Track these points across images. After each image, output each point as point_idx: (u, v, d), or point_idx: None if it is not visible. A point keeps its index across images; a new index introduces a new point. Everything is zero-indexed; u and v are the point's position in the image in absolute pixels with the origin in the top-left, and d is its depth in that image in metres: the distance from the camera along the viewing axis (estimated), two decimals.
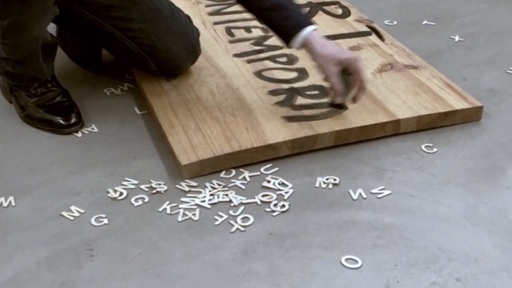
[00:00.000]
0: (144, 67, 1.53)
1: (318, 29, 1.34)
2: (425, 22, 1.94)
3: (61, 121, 1.41)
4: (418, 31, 1.88)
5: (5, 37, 1.30)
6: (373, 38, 1.74)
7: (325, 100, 1.44)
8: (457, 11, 2.01)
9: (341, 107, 1.37)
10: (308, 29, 1.31)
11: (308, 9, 1.90)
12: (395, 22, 1.93)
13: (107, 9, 1.43)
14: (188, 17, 1.53)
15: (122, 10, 1.43)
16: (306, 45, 1.32)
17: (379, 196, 1.23)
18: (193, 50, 1.53)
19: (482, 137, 1.40)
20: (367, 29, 1.79)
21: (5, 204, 1.21)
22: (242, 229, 1.15)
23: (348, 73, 1.33)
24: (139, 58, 1.50)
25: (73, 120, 1.41)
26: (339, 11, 1.89)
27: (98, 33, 1.48)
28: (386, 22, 1.93)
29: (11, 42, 1.31)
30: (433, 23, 1.93)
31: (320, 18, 1.85)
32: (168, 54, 1.48)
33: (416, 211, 1.19)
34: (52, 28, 1.49)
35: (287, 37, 1.33)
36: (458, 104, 1.44)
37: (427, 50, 1.76)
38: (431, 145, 1.37)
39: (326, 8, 1.91)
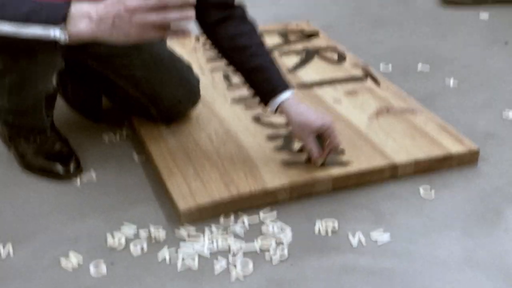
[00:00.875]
0: (144, 114, 1.55)
1: (295, 93, 1.36)
2: (420, 66, 1.97)
3: (60, 169, 1.41)
4: (413, 76, 1.91)
5: (11, 91, 1.31)
6: (369, 82, 1.76)
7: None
8: (451, 55, 2.04)
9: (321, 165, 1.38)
10: (284, 95, 1.33)
11: (305, 55, 1.93)
12: (390, 67, 1.96)
13: (110, 57, 1.45)
14: (189, 65, 1.56)
15: (125, 58, 1.45)
16: (280, 110, 1.34)
17: (378, 241, 1.23)
18: (193, 96, 1.55)
19: (479, 180, 1.41)
20: (362, 74, 1.81)
21: (3, 252, 1.21)
22: (241, 278, 1.14)
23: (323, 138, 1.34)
24: (141, 105, 1.52)
25: (72, 168, 1.42)
26: (335, 57, 1.92)
27: (100, 80, 1.50)
28: (381, 66, 1.96)
29: (17, 95, 1.33)
30: (428, 68, 1.96)
31: (316, 63, 1.88)
32: (169, 101, 1.50)
33: (415, 256, 1.19)
34: None
35: (264, 100, 1.36)
36: (455, 147, 1.45)
37: (422, 94, 1.78)
38: (429, 188, 1.38)
39: (322, 53, 1.94)
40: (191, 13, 1.09)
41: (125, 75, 1.47)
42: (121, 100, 1.56)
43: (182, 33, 1.11)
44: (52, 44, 1.10)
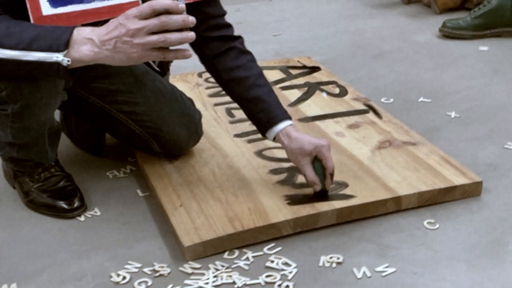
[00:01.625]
0: (147, 149, 1.56)
1: (296, 125, 1.40)
2: (421, 99, 1.98)
3: (64, 206, 1.42)
4: (414, 108, 1.92)
5: (14, 121, 1.32)
6: (371, 115, 1.77)
7: None
8: (452, 88, 2.06)
9: (323, 193, 1.38)
10: (282, 125, 1.37)
11: (306, 89, 1.94)
12: (392, 100, 1.97)
13: (112, 93, 1.47)
14: (191, 100, 1.57)
15: (126, 95, 1.47)
16: (277, 140, 1.38)
17: (383, 274, 1.22)
18: (195, 131, 1.56)
19: (483, 212, 1.41)
20: (364, 107, 1.82)
21: None
22: None
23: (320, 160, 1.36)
24: (143, 140, 1.53)
25: (76, 204, 1.42)
26: (337, 90, 1.94)
27: (102, 116, 1.51)
28: (382, 100, 1.97)
29: (20, 126, 1.34)
30: (429, 100, 1.97)
31: (318, 97, 1.89)
32: (171, 136, 1.51)
33: None
34: (56, 113, 1.52)
35: (262, 129, 1.40)
36: (458, 179, 1.45)
37: (424, 126, 1.79)
38: (433, 221, 1.38)
39: (324, 87, 1.95)
40: (191, 34, 1.12)
41: (127, 111, 1.49)
42: (123, 136, 1.57)
43: (182, 54, 1.14)
44: (55, 70, 1.13)
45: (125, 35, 1.11)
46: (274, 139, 1.38)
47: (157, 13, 1.11)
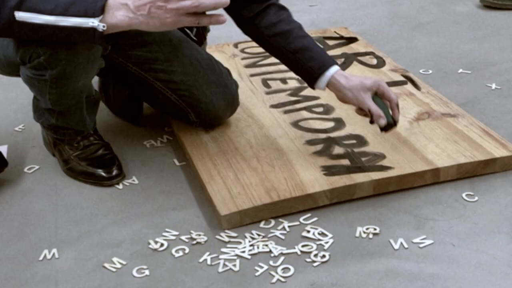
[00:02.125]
0: (184, 118, 1.56)
1: (340, 68, 1.40)
2: (460, 70, 1.94)
3: (103, 174, 1.44)
4: (453, 80, 1.89)
5: (53, 86, 1.34)
6: (409, 87, 1.75)
7: (364, 149, 1.45)
8: (493, 59, 2.01)
9: (390, 126, 1.37)
10: (332, 69, 1.37)
11: (343, 59, 1.92)
12: (430, 71, 1.94)
13: (150, 61, 1.47)
14: (228, 70, 1.57)
15: (164, 63, 1.47)
16: (331, 84, 1.38)
17: (420, 245, 1.21)
18: (232, 101, 1.56)
19: None
20: (402, 79, 1.80)
21: (48, 256, 1.23)
22: (283, 280, 1.14)
23: (379, 97, 1.37)
24: (180, 109, 1.53)
25: (114, 173, 1.44)
26: (374, 61, 1.91)
27: (140, 84, 1.52)
28: (421, 71, 1.94)
29: (58, 92, 1.35)
30: (469, 72, 1.93)
31: (355, 68, 1.87)
32: (208, 106, 1.51)
33: (460, 261, 1.17)
34: (94, 82, 1.53)
35: (312, 78, 1.40)
36: (498, 151, 1.42)
37: (463, 98, 1.75)
38: (472, 193, 1.36)
39: (361, 58, 1.93)
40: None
41: (165, 80, 1.49)
42: (160, 105, 1.58)
43: (216, 19, 1.14)
44: (90, 35, 1.15)
45: (159, 0, 1.12)
46: (327, 85, 1.38)
47: None
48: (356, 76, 1.39)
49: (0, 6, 1.15)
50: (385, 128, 1.37)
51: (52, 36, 1.19)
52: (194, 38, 1.58)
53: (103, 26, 1.14)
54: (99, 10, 1.14)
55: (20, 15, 1.15)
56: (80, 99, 1.41)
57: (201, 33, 1.64)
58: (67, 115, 1.42)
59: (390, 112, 1.37)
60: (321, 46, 1.43)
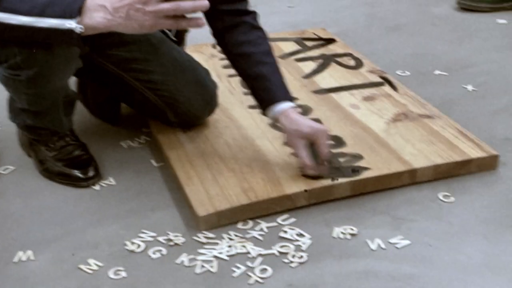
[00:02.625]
0: (162, 118, 1.56)
1: (295, 106, 1.38)
2: (437, 72, 1.96)
3: (79, 175, 1.42)
4: (430, 81, 1.90)
5: (29, 87, 1.32)
6: (387, 88, 1.76)
7: (342, 150, 1.45)
8: (469, 61, 2.03)
9: (319, 177, 1.35)
10: (283, 106, 1.35)
11: (321, 61, 1.93)
12: (408, 73, 1.95)
13: (129, 61, 1.46)
14: (207, 71, 1.57)
15: (143, 63, 1.46)
16: (277, 120, 1.37)
17: (397, 246, 1.22)
18: (211, 102, 1.56)
19: (499, 186, 1.40)
20: (380, 80, 1.81)
21: (24, 258, 1.21)
22: (260, 281, 1.14)
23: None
24: (158, 109, 1.52)
25: (90, 174, 1.43)
26: (352, 63, 1.92)
27: (119, 84, 1.51)
28: (398, 72, 1.95)
29: (34, 92, 1.34)
30: (446, 73, 1.95)
31: (333, 69, 1.88)
32: (186, 106, 1.51)
33: (436, 261, 1.18)
34: (72, 81, 1.52)
35: (262, 107, 1.40)
36: (474, 152, 1.44)
37: (440, 99, 1.77)
38: (448, 194, 1.37)
39: (339, 59, 1.94)
40: (205, 2, 1.11)
41: (143, 79, 1.48)
42: (139, 105, 1.57)
43: (195, 22, 1.12)
44: (68, 37, 1.13)
45: (138, 2, 1.11)
46: (273, 119, 1.38)
47: None
48: (301, 120, 1.34)
49: None
50: (312, 177, 1.34)
51: (29, 37, 1.17)
52: (174, 39, 1.57)
53: (81, 28, 1.12)
54: (76, 12, 1.12)
55: None
56: (56, 100, 1.39)
57: (180, 34, 1.64)
58: (43, 115, 1.40)
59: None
60: (282, 78, 1.38)
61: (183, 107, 1.51)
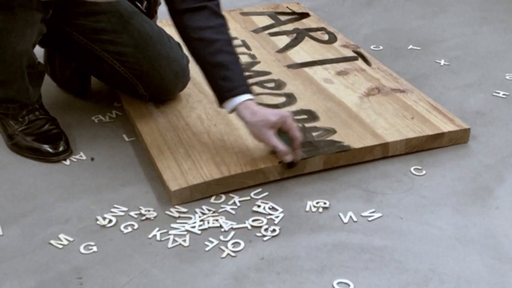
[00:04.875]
0: (133, 92, 1.54)
1: (255, 99, 1.32)
2: (410, 47, 1.96)
3: (49, 149, 1.40)
4: (403, 56, 1.90)
5: None
6: (360, 63, 1.76)
7: (315, 124, 1.45)
8: (442, 36, 2.04)
9: (293, 165, 1.33)
10: (242, 97, 1.29)
11: (294, 35, 1.91)
12: (381, 47, 1.95)
13: (97, 32, 1.43)
14: (179, 44, 1.54)
15: (112, 34, 1.44)
16: (237, 112, 1.30)
17: (369, 219, 1.23)
18: (182, 75, 1.53)
19: (470, 159, 1.41)
20: (353, 54, 1.80)
21: None
22: (233, 254, 1.14)
23: (285, 132, 1.30)
24: (128, 82, 1.50)
25: (61, 148, 1.40)
26: (325, 37, 1.91)
27: (87, 56, 1.48)
28: (372, 47, 1.95)
29: None
30: (418, 48, 1.95)
31: (306, 43, 1.87)
32: (157, 79, 1.49)
33: (407, 234, 1.19)
34: (40, 54, 1.49)
35: (220, 98, 1.32)
36: (446, 126, 1.45)
37: (413, 74, 1.77)
38: (419, 167, 1.38)
39: (313, 34, 1.93)
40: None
41: (112, 51, 1.46)
42: (108, 78, 1.55)
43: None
44: None
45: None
46: (233, 111, 1.31)
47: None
48: (263, 110, 1.30)
49: None
50: (291, 165, 1.32)
51: None
52: (144, 11, 1.54)
53: None
54: None
55: None
56: (20, 66, 1.35)
57: (152, 6, 1.61)
58: (8, 85, 1.37)
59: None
60: (242, 70, 1.33)
61: (154, 81, 1.49)
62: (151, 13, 1.60)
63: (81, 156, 1.42)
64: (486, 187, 1.32)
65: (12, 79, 1.37)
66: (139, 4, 1.54)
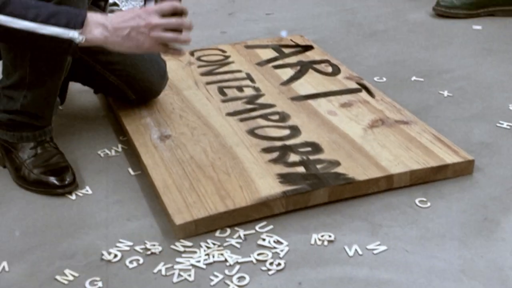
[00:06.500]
0: (121, 97, 1.67)
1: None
2: (413, 78, 1.97)
3: (56, 182, 1.41)
4: (407, 87, 1.91)
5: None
6: (364, 94, 1.77)
7: (319, 156, 1.46)
8: (445, 67, 2.05)
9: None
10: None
11: (298, 67, 1.93)
12: (384, 79, 1.97)
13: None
14: None
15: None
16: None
17: (375, 252, 1.22)
18: (164, 75, 1.68)
19: (475, 190, 1.41)
20: (357, 86, 1.81)
21: None
22: None
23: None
24: (118, 89, 1.63)
25: (67, 181, 1.41)
26: (329, 69, 1.93)
27: (78, 66, 1.57)
28: (375, 78, 1.96)
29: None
30: (422, 79, 1.96)
31: (310, 76, 1.88)
32: (145, 82, 1.63)
33: (413, 267, 1.19)
34: None
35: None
36: (450, 158, 1.45)
37: (416, 105, 1.78)
38: (424, 199, 1.38)
39: (317, 66, 1.94)
40: (190, 37, 1.30)
41: (103, 61, 1.57)
42: (99, 86, 1.70)
43: (178, 53, 1.33)
44: (66, 46, 1.23)
45: (144, 26, 1.25)
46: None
47: (174, 14, 1.27)
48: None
49: None
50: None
51: (28, 42, 1.25)
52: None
53: (82, 39, 1.22)
54: (80, 24, 1.22)
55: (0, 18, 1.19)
56: (61, 67, 1.42)
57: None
58: (40, 88, 1.41)
59: None
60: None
61: (141, 84, 1.63)
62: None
63: (87, 190, 1.43)
64: (492, 219, 1.32)
65: (48, 79, 1.42)
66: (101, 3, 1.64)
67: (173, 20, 1.28)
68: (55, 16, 1.21)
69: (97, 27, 1.24)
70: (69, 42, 1.22)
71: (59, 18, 1.21)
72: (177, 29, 1.29)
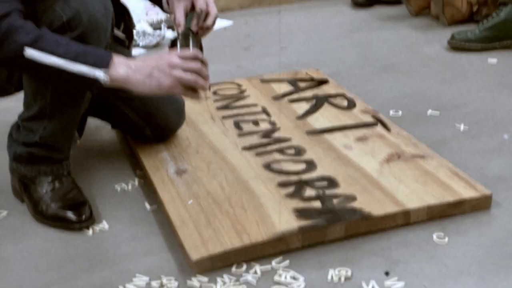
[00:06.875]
0: (140, 135, 1.69)
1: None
2: (429, 111, 1.97)
3: (73, 217, 1.42)
4: (423, 121, 1.91)
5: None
6: (379, 128, 1.77)
7: (335, 191, 1.45)
8: (461, 100, 2.05)
9: (178, 39, 1.40)
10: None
11: (314, 101, 1.94)
12: (400, 113, 1.97)
13: None
14: None
15: None
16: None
17: None
18: (182, 113, 1.70)
19: (493, 225, 1.40)
20: (372, 120, 1.82)
21: None
22: None
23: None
24: (137, 125, 1.66)
25: (84, 216, 1.42)
26: (345, 103, 1.93)
27: (97, 101, 1.60)
28: (391, 112, 1.96)
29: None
30: (438, 113, 1.96)
31: (326, 109, 1.89)
32: (162, 119, 1.65)
33: None
34: None
35: None
36: (467, 192, 1.44)
37: (433, 139, 1.78)
38: (442, 234, 1.37)
39: (332, 100, 1.95)
40: (207, 84, 1.33)
41: (124, 98, 1.59)
42: (117, 121, 1.72)
43: (197, 96, 1.34)
44: (91, 84, 1.26)
45: (165, 65, 1.29)
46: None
47: (195, 59, 1.31)
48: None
49: (9, 38, 1.21)
50: (173, 43, 1.39)
51: (53, 77, 1.28)
52: (123, 35, 1.66)
53: (107, 78, 1.25)
54: (107, 64, 1.26)
55: (31, 53, 1.22)
56: (82, 98, 1.46)
57: (129, 28, 1.70)
58: (60, 119, 1.44)
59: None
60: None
61: (159, 121, 1.65)
62: (130, 36, 1.70)
63: (103, 225, 1.43)
64: (510, 255, 1.30)
65: (69, 110, 1.45)
66: (117, 30, 1.63)
67: (193, 64, 1.31)
68: (84, 55, 1.25)
69: (121, 67, 1.27)
70: (94, 81, 1.25)
71: (88, 57, 1.25)
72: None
